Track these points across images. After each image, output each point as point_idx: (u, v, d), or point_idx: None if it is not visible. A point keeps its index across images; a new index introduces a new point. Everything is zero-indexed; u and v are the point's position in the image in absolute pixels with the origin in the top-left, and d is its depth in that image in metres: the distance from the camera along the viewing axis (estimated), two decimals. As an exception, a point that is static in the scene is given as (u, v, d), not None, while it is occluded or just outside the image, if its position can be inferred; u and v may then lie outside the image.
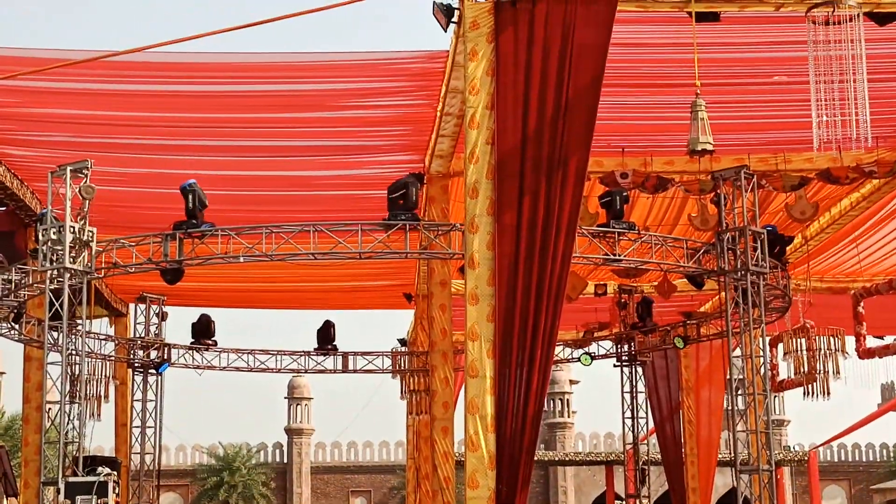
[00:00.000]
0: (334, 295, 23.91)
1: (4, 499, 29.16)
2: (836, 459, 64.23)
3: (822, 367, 22.80)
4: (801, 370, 22.70)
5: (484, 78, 11.69)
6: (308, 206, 18.16)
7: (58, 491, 10.60)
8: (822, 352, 22.88)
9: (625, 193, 14.49)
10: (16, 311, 15.91)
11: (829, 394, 23.17)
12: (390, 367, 23.45)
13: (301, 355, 22.23)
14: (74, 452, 11.81)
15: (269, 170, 17.37)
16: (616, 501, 45.70)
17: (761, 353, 13.76)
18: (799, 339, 22.64)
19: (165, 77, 14.50)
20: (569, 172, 11.47)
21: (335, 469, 65.60)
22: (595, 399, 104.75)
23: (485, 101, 11.66)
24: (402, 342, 25.64)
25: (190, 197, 13.50)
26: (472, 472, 11.15)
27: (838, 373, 23.07)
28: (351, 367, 22.66)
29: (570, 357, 22.62)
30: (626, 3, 12.13)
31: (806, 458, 50.95)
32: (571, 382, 66.93)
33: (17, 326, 16.48)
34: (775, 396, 47.92)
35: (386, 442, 65.17)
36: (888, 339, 22.85)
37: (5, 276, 14.76)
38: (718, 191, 14.05)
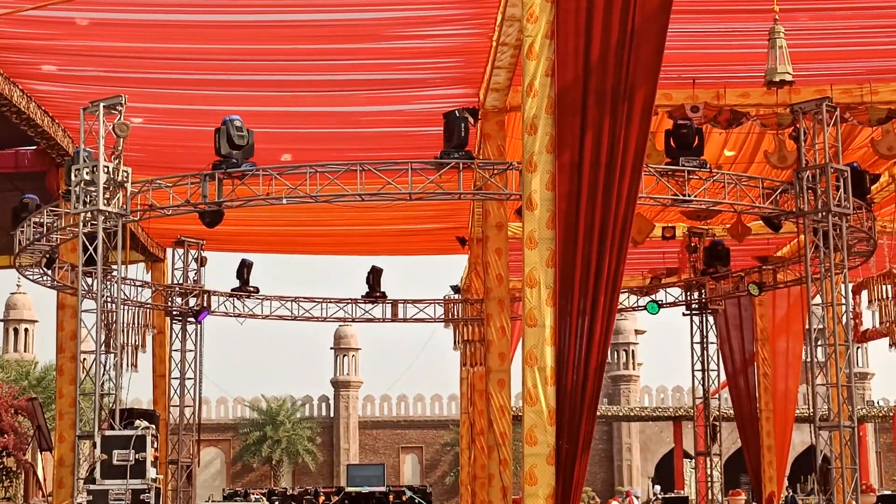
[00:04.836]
0: (383, 239, 24.05)
1: (39, 452, 29.84)
2: (924, 415, 63.91)
3: (909, 316, 22.70)
4: (887, 319, 22.60)
5: (543, 4, 11.64)
6: (355, 143, 18.24)
7: (94, 445, 10.79)
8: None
9: (690, 126, 14.36)
10: (48, 255, 16.13)
11: (917, 345, 23.08)
12: (442, 316, 23.62)
13: (348, 303, 22.43)
14: (111, 405, 12.00)
15: (314, 105, 17.45)
16: (685, 460, 45.92)
17: (843, 301, 13.70)
18: (885, 286, 22.53)
19: (204, 6, 14.56)
20: (634, 106, 11.44)
21: (384, 424, 66.20)
22: (662, 350, 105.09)
23: (544, 30, 11.63)
24: (456, 289, 25.78)
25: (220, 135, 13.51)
26: (530, 428, 11.24)
27: (927, 322, 22.97)
28: (401, 315, 22.85)
29: (635, 305, 22.63)
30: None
31: (891, 414, 50.84)
32: (637, 332, 67.04)
33: (49, 272, 16.72)
34: (858, 347, 47.73)
35: (438, 395, 65.71)
36: (982, 287, 22.69)
37: (37, 219, 14.95)
38: (798, 125, 13.93)
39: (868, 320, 23.16)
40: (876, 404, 58.20)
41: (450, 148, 13.43)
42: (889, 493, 29.79)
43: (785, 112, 15.01)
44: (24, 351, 67.36)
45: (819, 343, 14.05)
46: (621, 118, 11.42)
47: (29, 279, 17.21)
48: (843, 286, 13.68)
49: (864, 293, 22.85)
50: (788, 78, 11.93)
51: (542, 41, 11.63)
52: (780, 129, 15.67)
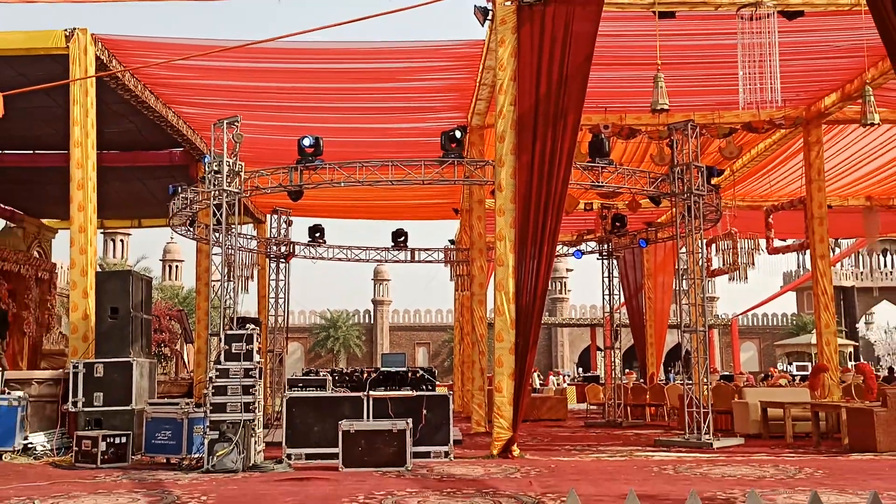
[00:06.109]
0: (405, 209, 24.05)
1: (184, 344, 29.97)
2: (750, 324, 64.28)
3: (742, 260, 22.75)
4: (728, 262, 22.67)
5: (509, 58, 11.61)
6: (387, 147, 18.19)
7: (220, 340, 10.82)
8: (743, 250, 22.82)
9: (603, 137, 14.28)
10: (191, 219, 16.13)
11: (746, 279, 23.16)
12: (444, 259, 23.61)
13: (382, 250, 22.40)
14: (230, 314, 12.02)
15: (361, 123, 17.39)
16: (597, 352, 46.09)
17: (700, 251, 13.73)
18: (726, 241, 22.57)
19: (289, 58, 14.50)
20: (567, 124, 11.43)
21: (406, 328, 66.57)
22: (583, 282, 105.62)
23: (510, 75, 11.60)
24: (452, 242, 25.77)
25: (312, 144, 13.50)
26: (498, 331, 11.32)
27: (753, 264, 23.03)
28: (417, 258, 22.82)
29: (566, 252, 22.62)
30: (610, 4, 11.98)
31: (729, 323, 50.99)
32: (568, 270, 67.28)
33: (192, 229, 16.71)
34: (709, 280, 47.79)
35: (440, 309, 66.06)
36: (789, 241, 22.74)
37: (184, 196, 14.94)
38: (672, 137, 13.90)
39: (716, 262, 23.26)
40: (720, 317, 58.41)
41: (448, 151, 13.40)
42: (727, 373, 29.95)
43: (664, 129, 14.98)
44: (175, 280, 67.62)
45: (684, 277, 14.07)
46: (559, 132, 11.41)
47: (178, 234, 17.19)
48: (699, 241, 13.70)
49: (714, 246, 22.91)
50: (666, 107, 11.89)
51: (509, 82, 11.61)
52: (661, 140, 15.66)
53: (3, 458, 11.26)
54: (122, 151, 17.96)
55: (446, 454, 10.88)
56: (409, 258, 22.57)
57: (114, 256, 64.91)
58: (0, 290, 19.43)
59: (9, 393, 11.76)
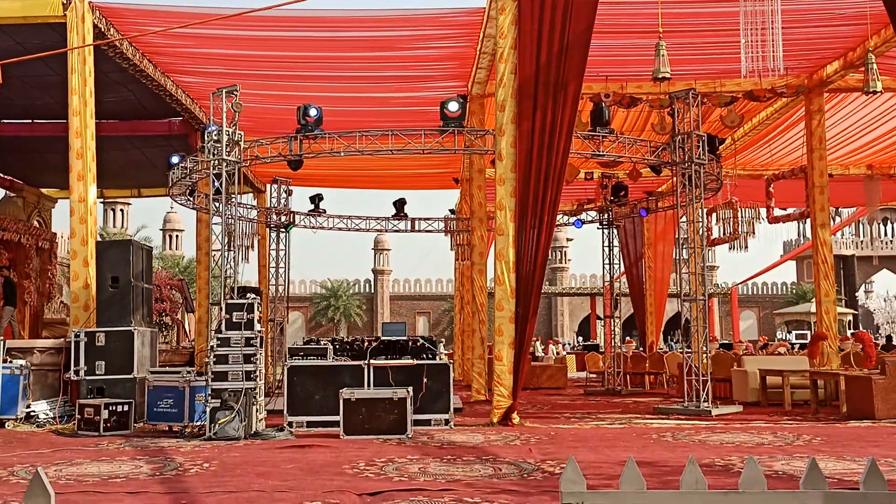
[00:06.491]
0: (405, 178, 24.00)
1: (185, 314, 30.06)
2: (749, 293, 64.43)
3: (742, 229, 22.75)
4: (728, 231, 22.66)
5: (510, 26, 11.52)
6: (387, 116, 18.11)
7: (220, 309, 10.85)
8: (743, 219, 22.81)
9: (604, 106, 14.22)
10: (190, 188, 16.10)
11: (746, 248, 23.18)
12: (444, 228, 23.61)
13: (383, 220, 22.40)
14: (231, 283, 12.05)
15: (361, 92, 17.31)
16: (597, 320, 46.22)
17: (700, 220, 13.73)
18: (727, 210, 22.56)
19: (288, 26, 14.39)
20: (568, 93, 11.37)
21: (406, 297, 66.71)
22: (583, 251, 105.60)
23: (510, 43, 11.52)
24: (452, 211, 25.75)
25: (316, 115, 13.44)
26: (499, 300, 11.35)
27: (753, 233, 23.03)
28: (417, 228, 22.82)
29: (567, 222, 22.63)
30: (611, -28, 11.88)
31: (729, 292, 51.08)
32: (568, 239, 67.30)
33: (191, 198, 16.69)
34: (709, 249, 47.83)
35: (441, 279, 66.17)
36: (789, 210, 22.74)
37: (183, 165, 14.90)
38: (673, 106, 13.83)
39: (716, 231, 23.27)
40: (720, 286, 58.49)
41: (446, 120, 13.33)
42: (726, 342, 30.06)
43: (665, 97, 14.91)
44: (176, 249, 67.68)
45: (684, 246, 14.07)
46: (559, 101, 11.36)
47: (178, 203, 17.18)
48: (699, 210, 13.68)
49: (714, 214, 22.90)
50: (668, 76, 11.83)
51: (509, 50, 11.53)
52: (662, 109, 15.58)
53: (7, 425, 11.34)
54: (121, 120, 17.90)
55: (446, 422, 10.95)
56: (409, 227, 22.57)
57: (114, 226, 64.96)
58: (0, 259, 19.46)
59: (11, 362, 11.83)
